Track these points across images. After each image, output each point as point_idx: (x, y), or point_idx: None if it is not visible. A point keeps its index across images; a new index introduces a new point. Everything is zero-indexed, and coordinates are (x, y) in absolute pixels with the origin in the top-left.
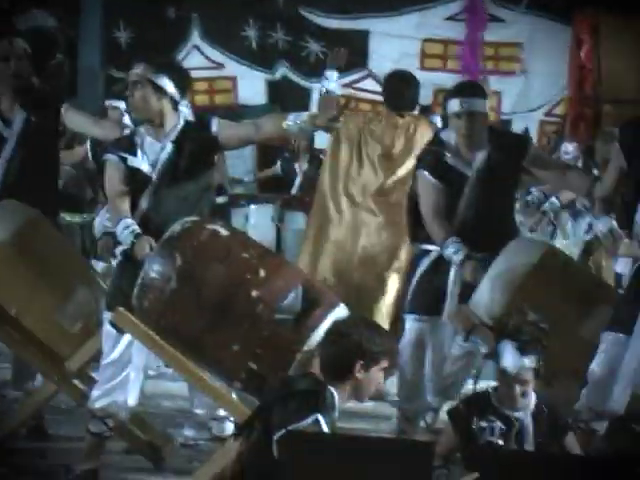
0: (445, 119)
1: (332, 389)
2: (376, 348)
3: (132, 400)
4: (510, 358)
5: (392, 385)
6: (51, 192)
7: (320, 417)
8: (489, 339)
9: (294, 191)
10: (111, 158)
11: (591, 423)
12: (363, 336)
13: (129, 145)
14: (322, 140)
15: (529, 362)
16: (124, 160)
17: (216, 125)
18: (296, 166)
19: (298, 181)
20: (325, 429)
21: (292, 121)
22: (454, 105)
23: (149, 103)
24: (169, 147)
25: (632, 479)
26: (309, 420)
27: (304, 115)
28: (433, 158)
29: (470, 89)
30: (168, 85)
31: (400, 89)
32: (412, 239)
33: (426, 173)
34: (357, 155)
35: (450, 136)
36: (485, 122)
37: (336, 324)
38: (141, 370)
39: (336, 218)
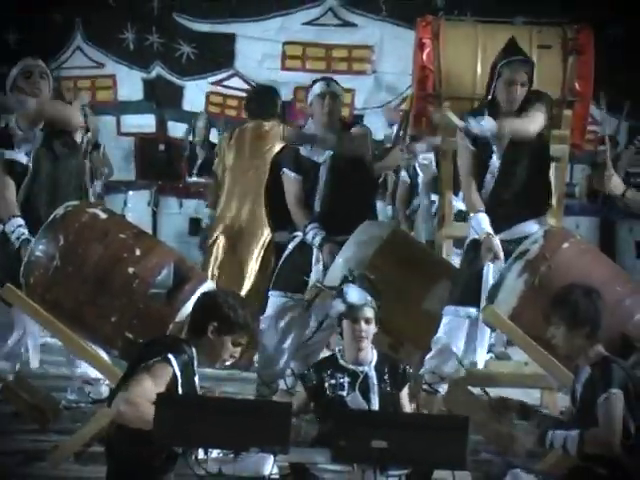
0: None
1: (191, 345)
2: (234, 318)
3: (35, 362)
4: (355, 294)
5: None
6: None
7: (172, 356)
8: (329, 300)
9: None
10: None
11: (434, 385)
12: (226, 303)
13: (6, 139)
14: None
15: (370, 299)
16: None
17: None
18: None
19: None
20: (177, 372)
21: None
22: (317, 88)
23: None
24: (39, 135)
25: (461, 437)
26: (160, 357)
27: None
28: (290, 153)
29: (330, 79)
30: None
31: (261, 100)
32: (272, 229)
33: (285, 169)
34: (239, 158)
35: (309, 130)
36: (341, 107)
37: (209, 288)
38: (37, 336)
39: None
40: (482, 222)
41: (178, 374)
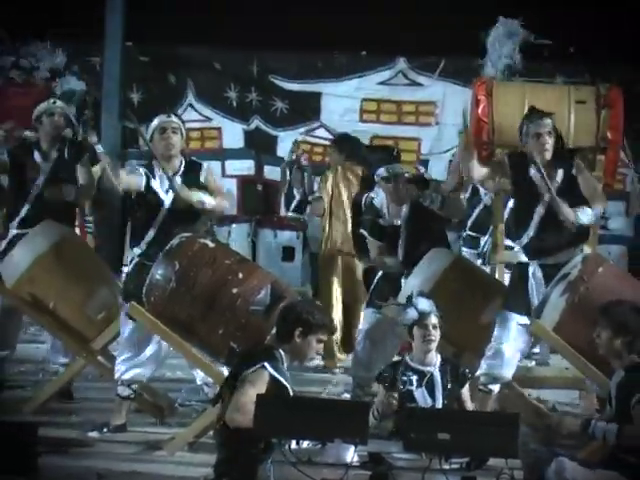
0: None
1: (280, 350)
2: (314, 320)
3: (151, 370)
4: (423, 302)
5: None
6: (72, 210)
7: (267, 365)
8: (400, 309)
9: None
10: None
11: (488, 385)
12: (304, 310)
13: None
14: None
15: (436, 309)
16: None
17: (204, 175)
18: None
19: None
20: (275, 374)
21: None
22: (382, 172)
23: (180, 145)
24: (178, 180)
25: (513, 431)
26: (258, 365)
27: None
28: (370, 221)
29: (390, 159)
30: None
31: (355, 147)
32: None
33: (366, 233)
34: (337, 196)
35: (382, 201)
36: (406, 181)
37: (287, 301)
38: (160, 347)
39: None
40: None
41: (276, 376)
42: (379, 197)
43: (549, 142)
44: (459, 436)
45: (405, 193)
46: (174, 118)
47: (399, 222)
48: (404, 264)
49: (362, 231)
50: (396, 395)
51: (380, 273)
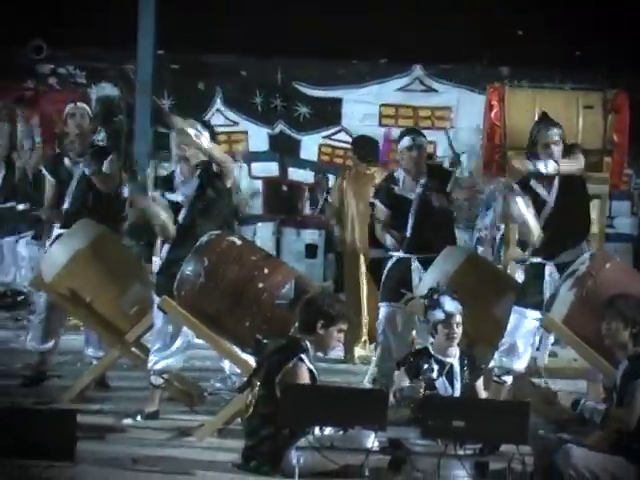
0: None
1: (306, 341)
2: (334, 312)
3: (182, 360)
4: (450, 303)
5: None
6: (112, 213)
7: (303, 356)
8: (420, 306)
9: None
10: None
11: (502, 377)
12: (325, 302)
13: (169, 184)
14: None
15: (461, 309)
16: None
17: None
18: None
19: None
20: (310, 366)
21: None
22: (406, 141)
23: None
24: (195, 181)
25: (523, 419)
26: (295, 359)
27: None
28: (385, 190)
29: (417, 131)
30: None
31: (369, 148)
32: (370, 246)
33: (378, 201)
34: (348, 198)
35: (400, 173)
36: (426, 156)
37: (308, 295)
38: (187, 339)
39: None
40: None
41: (311, 367)
42: (398, 171)
43: (557, 153)
44: (473, 424)
45: (424, 166)
46: (192, 122)
47: (412, 196)
48: (410, 243)
49: (373, 200)
50: (422, 384)
51: (388, 266)
